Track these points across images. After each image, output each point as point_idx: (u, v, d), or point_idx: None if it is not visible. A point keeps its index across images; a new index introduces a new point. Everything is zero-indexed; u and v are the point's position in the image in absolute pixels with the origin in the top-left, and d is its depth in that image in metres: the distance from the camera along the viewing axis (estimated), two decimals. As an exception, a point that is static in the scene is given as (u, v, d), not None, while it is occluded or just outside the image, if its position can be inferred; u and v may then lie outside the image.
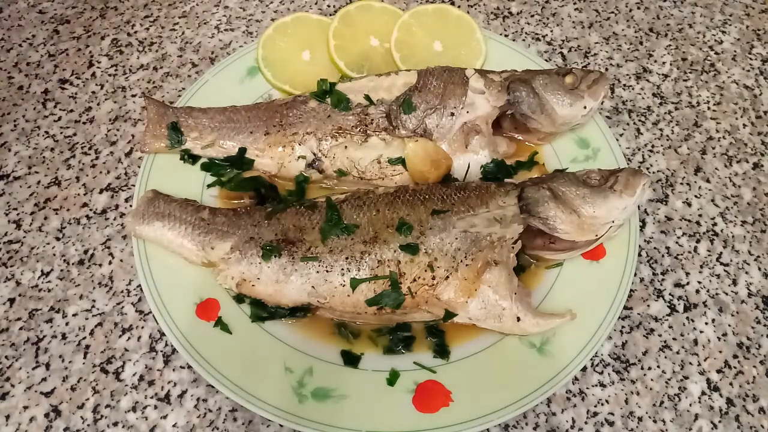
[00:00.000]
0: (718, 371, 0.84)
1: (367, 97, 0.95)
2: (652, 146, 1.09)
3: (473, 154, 0.93)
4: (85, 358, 0.83)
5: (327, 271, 0.79)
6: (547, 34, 1.26)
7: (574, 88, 0.95)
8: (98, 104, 1.12)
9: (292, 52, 1.10)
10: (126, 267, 0.91)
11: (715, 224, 0.99)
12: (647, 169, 1.06)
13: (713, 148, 1.09)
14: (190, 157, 0.97)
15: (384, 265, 0.79)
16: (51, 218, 0.96)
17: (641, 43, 1.26)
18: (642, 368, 0.84)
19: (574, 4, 1.33)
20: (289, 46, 1.10)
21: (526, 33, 1.26)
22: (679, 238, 0.97)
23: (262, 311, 0.82)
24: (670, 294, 0.91)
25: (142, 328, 0.85)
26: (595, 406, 0.80)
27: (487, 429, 0.74)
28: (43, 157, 1.04)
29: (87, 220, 0.96)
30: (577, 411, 0.80)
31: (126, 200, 0.98)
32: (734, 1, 1.35)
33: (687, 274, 0.93)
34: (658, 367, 0.84)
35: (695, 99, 1.16)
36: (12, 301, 0.88)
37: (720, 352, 0.86)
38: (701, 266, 0.94)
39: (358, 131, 0.94)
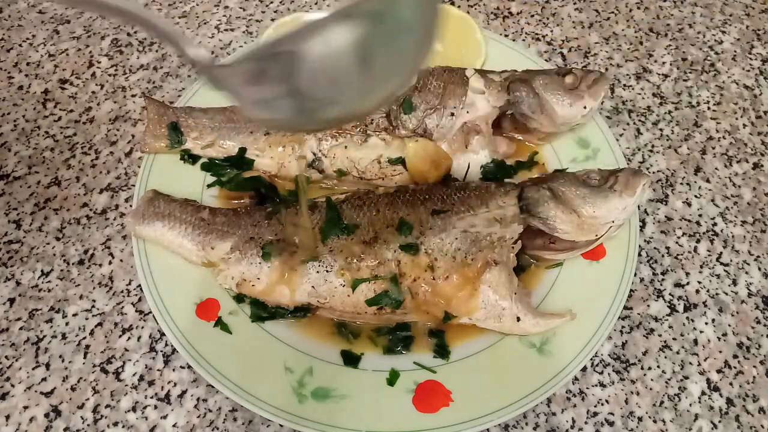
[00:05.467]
0: (718, 371, 0.84)
1: (367, 97, 0.95)
2: (652, 146, 1.09)
3: (473, 154, 0.93)
4: (85, 358, 0.83)
5: (327, 271, 0.79)
6: (547, 34, 1.26)
7: (574, 88, 0.95)
8: (98, 104, 1.12)
9: (292, 52, 1.09)
10: (126, 267, 0.91)
11: (715, 224, 0.99)
12: (647, 169, 1.06)
13: (713, 148, 1.09)
14: (190, 157, 0.97)
15: (384, 265, 0.79)
16: (51, 218, 0.96)
17: (641, 43, 1.26)
18: (642, 368, 0.84)
19: (574, 4, 1.33)
20: (289, 46, 1.10)
21: (526, 33, 1.26)
22: (679, 238, 0.97)
23: (262, 311, 0.82)
24: (670, 294, 0.91)
25: (142, 328, 0.85)
26: (595, 406, 0.80)
27: (487, 429, 0.74)
28: (43, 157, 1.04)
29: (87, 220, 0.96)
30: (577, 411, 0.80)
31: (126, 200, 0.98)
32: (734, 1, 1.35)
33: (687, 274, 0.93)
34: (658, 367, 0.84)
35: (695, 99, 1.16)
36: (12, 301, 0.88)
37: (720, 352, 0.86)
38: (701, 266, 0.94)
39: (358, 131, 0.94)
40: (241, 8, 1.29)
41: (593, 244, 0.84)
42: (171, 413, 0.78)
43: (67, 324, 0.86)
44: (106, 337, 0.85)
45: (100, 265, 0.91)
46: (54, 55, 1.20)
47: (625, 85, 1.18)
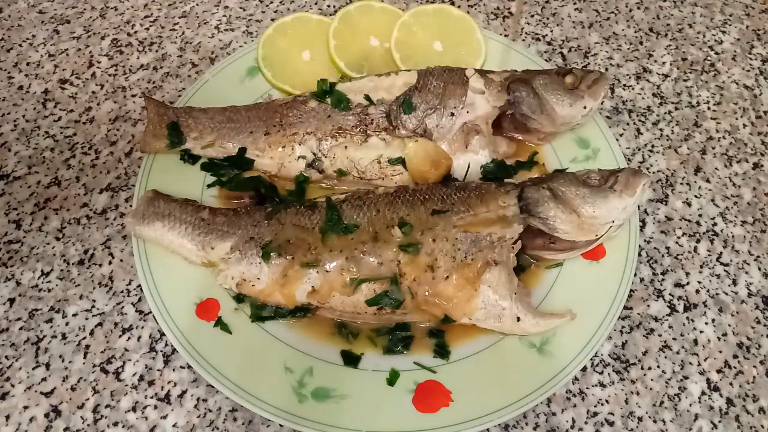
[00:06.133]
0: (718, 371, 0.84)
1: (367, 97, 0.95)
2: (652, 146, 1.09)
3: (473, 154, 0.93)
4: (85, 358, 0.83)
5: (327, 272, 0.79)
6: (547, 34, 1.26)
7: (574, 88, 0.95)
8: (98, 104, 1.12)
9: (292, 52, 1.10)
10: (126, 267, 0.91)
11: (715, 224, 0.99)
12: (647, 169, 1.06)
13: (713, 148, 1.09)
14: (190, 157, 0.97)
15: (384, 265, 0.79)
16: (51, 218, 0.96)
17: (641, 43, 1.26)
18: (642, 368, 0.84)
19: (574, 4, 1.33)
20: (289, 46, 1.10)
21: (526, 33, 1.26)
22: (679, 238, 0.97)
23: (262, 311, 0.82)
24: (670, 294, 0.91)
25: (142, 328, 0.85)
26: (595, 406, 0.80)
27: (487, 429, 0.74)
28: (43, 157, 1.04)
29: (87, 220, 0.96)
30: (577, 411, 0.80)
31: (126, 200, 0.98)
32: (734, 1, 1.35)
33: (687, 274, 0.93)
34: (658, 367, 0.84)
35: (695, 99, 1.16)
36: (12, 301, 0.88)
37: (720, 352, 0.86)
38: (701, 266, 0.94)
39: (358, 131, 0.94)
40: (241, 8, 1.29)
41: (593, 244, 0.84)
42: (171, 413, 0.78)
43: (67, 324, 0.86)
44: (106, 337, 0.85)
45: (100, 265, 0.91)
46: (54, 55, 1.20)
47: (625, 85, 1.18)
